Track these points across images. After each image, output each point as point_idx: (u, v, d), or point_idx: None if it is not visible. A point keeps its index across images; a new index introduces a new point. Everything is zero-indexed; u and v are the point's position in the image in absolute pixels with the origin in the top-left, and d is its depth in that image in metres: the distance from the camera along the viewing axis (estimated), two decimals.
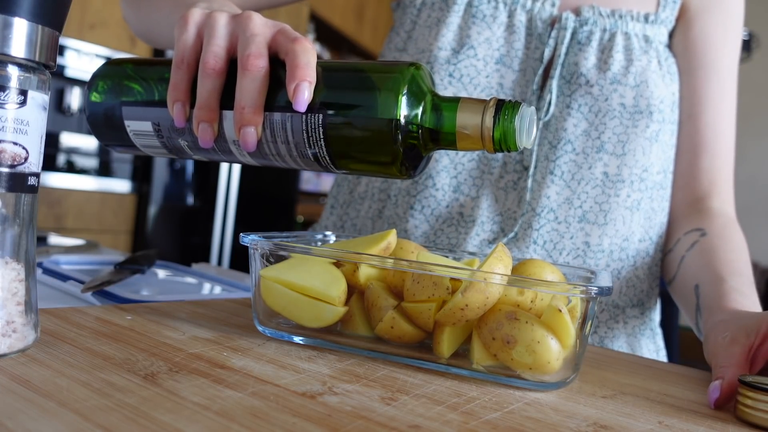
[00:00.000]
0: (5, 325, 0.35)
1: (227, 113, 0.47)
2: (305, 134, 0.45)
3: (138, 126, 0.49)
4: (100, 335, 0.42)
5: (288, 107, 0.45)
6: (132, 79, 0.50)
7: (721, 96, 0.76)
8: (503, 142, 0.44)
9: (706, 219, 0.73)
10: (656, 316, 0.80)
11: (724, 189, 0.76)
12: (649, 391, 0.45)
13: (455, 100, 0.45)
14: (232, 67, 0.47)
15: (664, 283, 0.78)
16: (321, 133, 0.45)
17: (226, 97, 0.47)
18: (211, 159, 0.51)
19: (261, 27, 0.46)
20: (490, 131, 0.43)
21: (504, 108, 0.43)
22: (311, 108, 0.45)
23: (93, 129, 0.52)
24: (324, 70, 0.46)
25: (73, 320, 0.45)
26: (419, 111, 0.45)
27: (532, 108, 0.45)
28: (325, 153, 0.46)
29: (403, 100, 0.44)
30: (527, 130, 0.44)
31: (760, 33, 3.85)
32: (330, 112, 0.45)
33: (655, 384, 0.47)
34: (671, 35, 0.78)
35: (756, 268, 4.44)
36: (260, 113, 0.45)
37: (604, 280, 0.45)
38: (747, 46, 3.77)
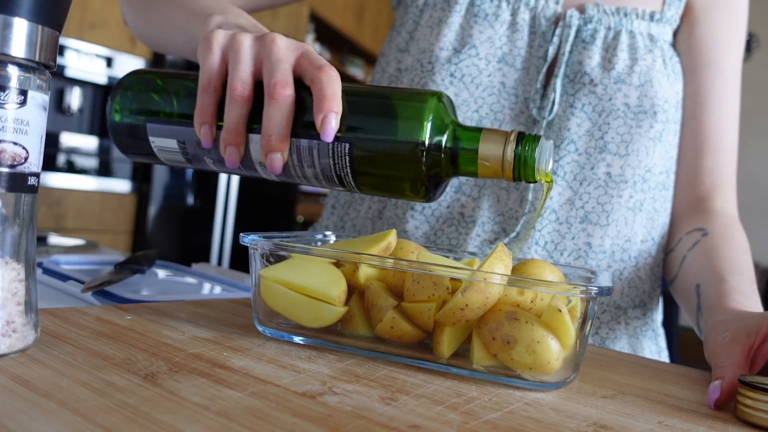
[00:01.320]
0: (5, 325, 0.35)
1: (254, 136, 0.48)
2: (332, 160, 0.47)
3: (163, 143, 0.50)
4: (100, 335, 0.42)
5: (315, 134, 0.46)
6: (157, 94, 0.51)
7: (724, 95, 0.76)
8: (522, 173, 0.46)
9: (708, 219, 0.73)
10: (658, 316, 0.80)
11: (727, 189, 0.76)
12: (649, 391, 0.45)
13: (477, 131, 0.46)
14: (257, 87, 0.47)
15: (665, 283, 0.78)
16: (348, 160, 0.46)
17: (252, 118, 0.47)
18: (235, 174, 0.52)
19: (285, 51, 0.47)
20: (511, 164, 0.45)
21: (525, 141, 0.45)
22: (337, 136, 0.46)
23: (116, 141, 0.53)
24: (348, 95, 0.47)
25: (73, 320, 0.45)
26: (443, 140, 0.46)
27: (551, 141, 0.47)
28: (350, 178, 0.48)
29: (428, 129, 0.45)
30: (546, 161, 0.46)
31: (760, 33, 3.85)
32: (356, 139, 0.46)
33: (655, 384, 0.47)
34: (675, 34, 0.78)
35: (756, 268, 4.43)
36: (287, 140, 0.46)
37: (605, 280, 0.45)
38: (747, 46, 3.77)
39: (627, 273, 0.73)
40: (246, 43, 0.47)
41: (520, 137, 0.45)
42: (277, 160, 0.46)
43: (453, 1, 0.75)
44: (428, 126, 0.45)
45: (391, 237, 0.49)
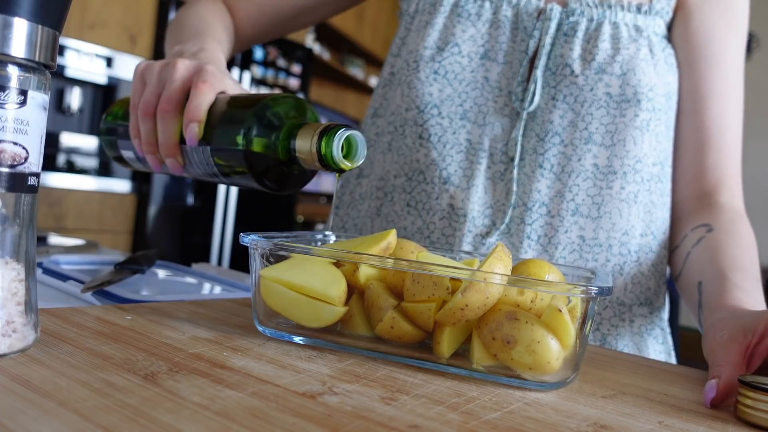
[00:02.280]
0: (5, 325, 0.35)
1: None
2: (204, 161, 0.55)
3: (128, 154, 0.63)
4: (100, 335, 0.42)
5: (192, 161, 0.56)
6: (121, 118, 0.64)
7: (725, 91, 0.75)
8: (328, 163, 0.50)
9: (714, 214, 0.72)
10: (665, 315, 0.79)
11: (732, 184, 0.75)
12: (649, 391, 0.45)
13: (297, 128, 0.52)
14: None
15: (671, 282, 0.78)
16: (212, 160, 0.55)
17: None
18: (170, 175, 0.64)
19: (181, 72, 0.56)
20: (316, 155, 0.50)
21: (326, 134, 0.50)
22: (204, 140, 0.54)
23: (108, 153, 0.66)
24: (219, 105, 0.55)
25: (73, 320, 0.45)
26: (270, 139, 0.52)
27: (354, 131, 0.50)
28: (221, 176, 0.56)
29: (254, 131, 0.52)
30: (351, 150, 0.51)
31: (760, 33, 3.85)
32: (213, 143, 0.54)
33: (655, 384, 0.47)
34: (671, 27, 0.77)
35: None
36: (175, 147, 0.56)
37: (604, 281, 0.45)
38: (747, 46, 3.78)
39: (628, 268, 0.73)
40: (155, 69, 0.58)
41: (325, 130, 0.50)
42: (172, 163, 0.57)
43: (438, 4, 0.77)
44: (254, 128, 0.52)
45: (391, 237, 0.49)
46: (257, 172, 0.53)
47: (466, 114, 0.73)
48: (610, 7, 0.73)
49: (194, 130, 0.54)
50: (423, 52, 0.75)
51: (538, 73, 0.72)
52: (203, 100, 0.54)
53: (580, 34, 0.72)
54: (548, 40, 0.72)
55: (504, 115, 0.73)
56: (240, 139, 0.52)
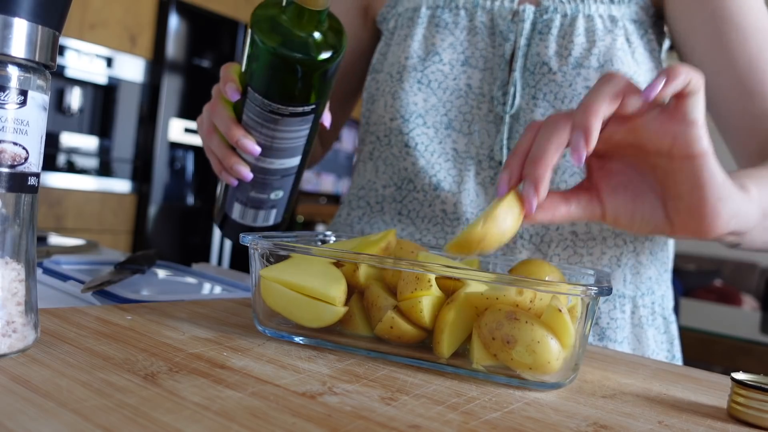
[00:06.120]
0: (5, 325, 0.35)
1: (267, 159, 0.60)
2: (260, 108, 0.55)
3: (236, 210, 0.65)
4: (100, 335, 0.42)
5: (257, 125, 0.57)
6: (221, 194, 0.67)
7: (751, 38, 0.69)
8: (306, 5, 0.51)
9: None
10: (669, 303, 0.78)
11: None
12: (649, 391, 0.45)
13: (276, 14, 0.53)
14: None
15: (675, 283, 0.77)
16: (263, 100, 0.55)
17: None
18: (274, 186, 0.64)
19: (215, 100, 0.59)
20: (293, 12, 0.51)
21: None
22: (261, 106, 0.55)
23: (233, 240, 0.67)
24: (249, 74, 0.55)
25: (73, 320, 0.45)
26: (279, 20, 0.53)
27: None
28: (301, 108, 0.55)
29: (262, 38, 0.52)
30: None
31: None
32: (253, 85, 0.54)
33: (655, 384, 0.47)
34: (659, 6, 0.75)
35: (756, 268, 4.43)
36: (243, 134, 0.57)
37: (605, 281, 0.45)
38: None
39: (625, 259, 0.73)
40: (204, 119, 0.62)
41: None
42: (246, 144, 0.57)
43: (416, 17, 0.77)
44: (263, 35, 0.52)
45: (391, 237, 0.49)
46: (299, 58, 0.52)
47: (451, 123, 0.74)
48: (582, 0, 0.72)
49: (232, 86, 0.55)
50: (406, 62, 0.75)
51: (517, 74, 0.72)
52: (228, 74, 0.56)
53: (555, 30, 0.72)
54: (523, 41, 0.72)
55: (489, 121, 0.73)
56: (267, 57, 0.52)
